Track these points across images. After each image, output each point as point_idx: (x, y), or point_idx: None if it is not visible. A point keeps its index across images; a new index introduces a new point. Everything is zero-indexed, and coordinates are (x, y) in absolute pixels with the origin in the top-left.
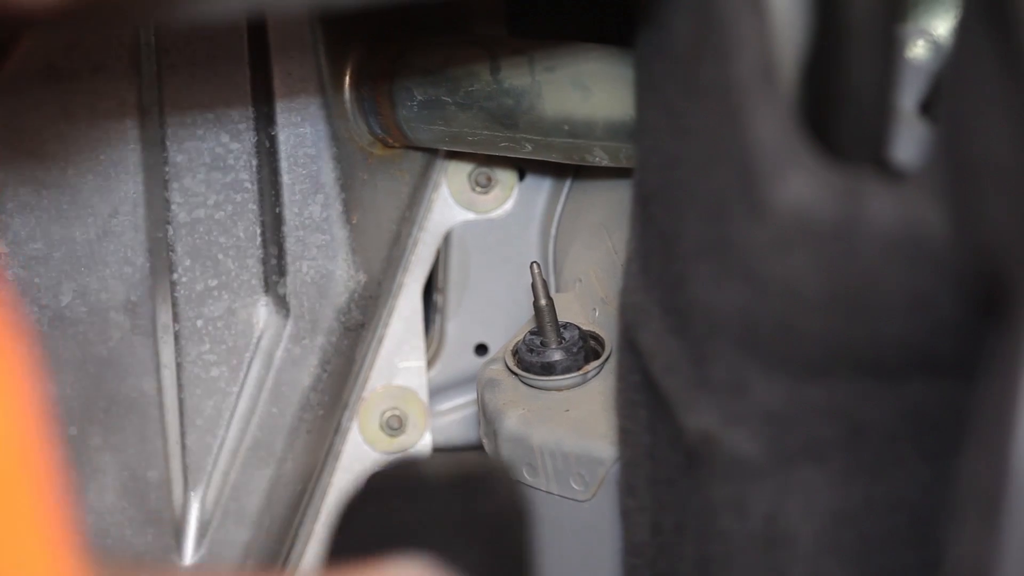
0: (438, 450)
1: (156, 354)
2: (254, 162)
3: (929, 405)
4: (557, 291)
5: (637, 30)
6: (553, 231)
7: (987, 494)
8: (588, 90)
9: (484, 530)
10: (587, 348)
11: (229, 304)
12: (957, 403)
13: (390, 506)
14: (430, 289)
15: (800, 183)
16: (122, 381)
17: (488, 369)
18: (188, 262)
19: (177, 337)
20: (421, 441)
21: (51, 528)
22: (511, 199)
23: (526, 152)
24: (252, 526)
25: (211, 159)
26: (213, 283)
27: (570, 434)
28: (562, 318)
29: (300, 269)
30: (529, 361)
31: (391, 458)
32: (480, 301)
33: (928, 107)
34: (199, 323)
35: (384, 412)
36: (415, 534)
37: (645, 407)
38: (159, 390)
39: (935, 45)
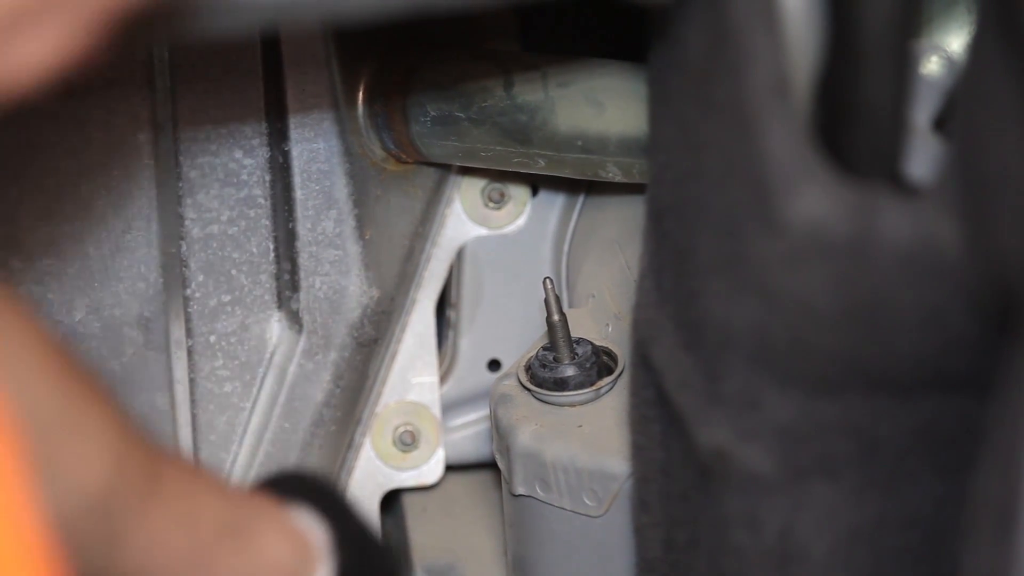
0: (451, 467)
1: (169, 369)
2: (267, 177)
3: (943, 421)
4: (570, 307)
5: (651, 45)
6: (566, 247)
7: (1001, 511)
8: (602, 106)
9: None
10: (600, 364)
11: (242, 319)
12: (971, 419)
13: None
14: (443, 305)
15: (813, 198)
16: (135, 396)
17: (501, 384)
18: (201, 277)
19: (190, 352)
20: (434, 457)
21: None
22: (524, 215)
23: (539, 168)
24: None
25: (224, 175)
26: (226, 298)
27: (583, 450)
28: (575, 334)
29: (313, 285)
30: (542, 377)
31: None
32: (493, 317)
33: (942, 123)
34: (212, 338)
35: (397, 428)
36: None
37: (658, 423)
38: (172, 405)
39: (949, 61)
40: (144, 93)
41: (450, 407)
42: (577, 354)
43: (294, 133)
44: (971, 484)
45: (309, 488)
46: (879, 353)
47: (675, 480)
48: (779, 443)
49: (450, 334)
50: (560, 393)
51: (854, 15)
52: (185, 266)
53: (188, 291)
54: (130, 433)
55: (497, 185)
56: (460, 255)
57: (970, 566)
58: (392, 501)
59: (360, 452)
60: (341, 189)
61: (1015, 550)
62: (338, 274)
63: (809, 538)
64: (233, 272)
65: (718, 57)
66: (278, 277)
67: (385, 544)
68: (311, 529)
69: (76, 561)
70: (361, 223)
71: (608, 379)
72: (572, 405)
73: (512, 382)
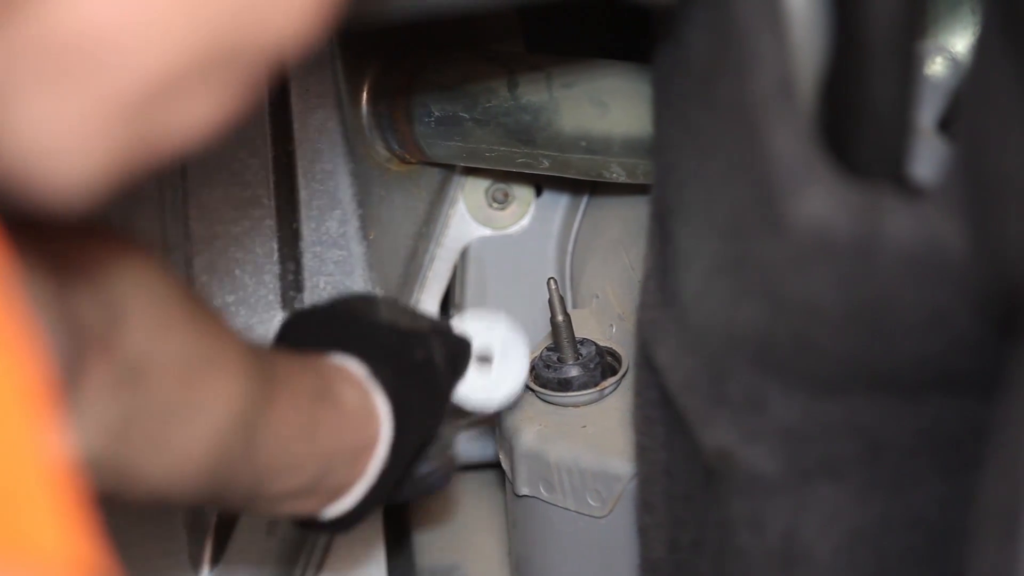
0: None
1: None
2: (272, 178)
3: (947, 422)
4: (574, 307)
5: (655, 46)
6: (570, 247)
7: (1007, 513)
8: (606, 106)
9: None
10: (604, 364)
11: (246, 320)
12: (975, 420)
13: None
14: (447, 305)
15: (818, 200)
16: None
17: None
18: (205, 277)
19: None
20: None
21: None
22: (528, 215)
23: (543, 168)
24: (266, 537)
25: (229, 174)
26: (230, 299)
27: (587, 450)
28: (579, 334)
29: (317, 285)
30: (546, 377)
31: None
32: None
33: (946, 124)
34: None
35: None
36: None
37: (662, 423)
38: None
39: (954, 62)
40: None
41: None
42: (581, 355)
43: (298, 133)
44: (976, 486)
45: (351, 329)
46: (884, 354)
47: (679, 481)
48: (783, 444)
49: None
50: (564, 394)
51: (859, 16)
52: (189, 266)
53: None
54: (250, 348)
55: (501, 185)
56: (464, 255)
57: (975, 568)
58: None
59: None
60: (345, 189)
61: (1020, 552)
62: (342, 274)
63: (813, 539)
64: (237, 272)
65: (723, 58)
66: (282, 277)
67: (429, 364)
68: (361, 369)
69: (225, 472)
70: (365, 223)
71: (612, 380)
72: (576, 406)
73: None
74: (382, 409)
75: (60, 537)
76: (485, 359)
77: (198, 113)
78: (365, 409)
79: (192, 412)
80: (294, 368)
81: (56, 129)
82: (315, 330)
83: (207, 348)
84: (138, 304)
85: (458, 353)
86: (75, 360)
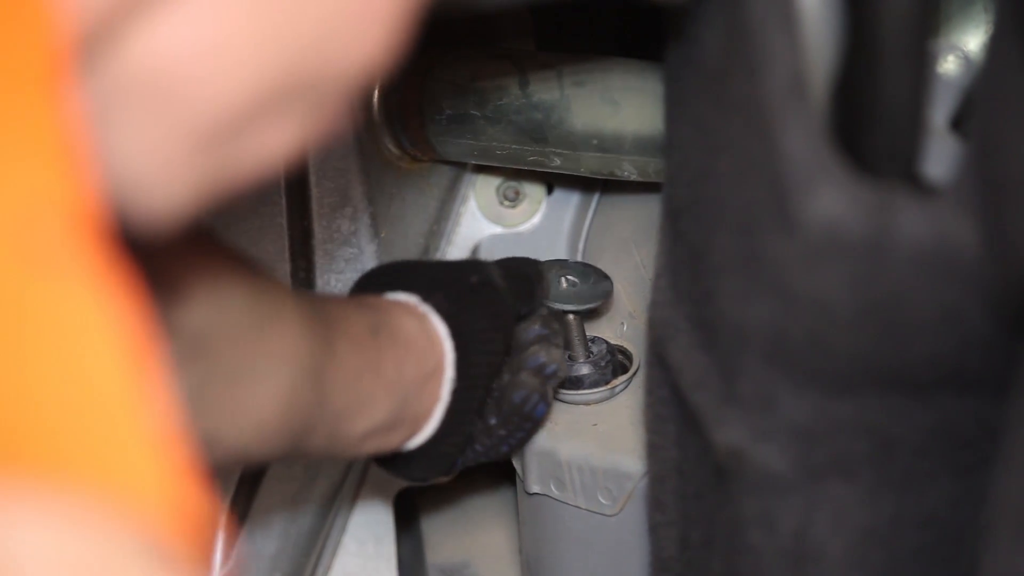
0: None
1: None
2: (283, 175)
3: (959, 421)
4: None
5: (667, 44)
6: (581, 245)
7: (1019, 512)
8: (617, 104)
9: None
10: (615, 362)
11: None
12: (987, 419)
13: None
14: None
15: (831, 198)
16: None
17: None
18: None
19: None
20: None
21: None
22: (539, 213)
23: (555, 166)
24: (278, 538)
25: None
26: None
27: (598, 448)
28: (590, 332)
29: (328, 282)
30: None
31: None
32: None
33: (959, 122)
34: None
35: None
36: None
37: (673, 421)
38: None
39: (966, 61)
40: None
41: None
42: (592, 352)
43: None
44: (988, 485)
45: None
46: (895, 352)
47: (690, 479)
48: (795, 443)
49: None
50: (575, 391)
51: (871, 14)
52: None
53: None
54: (306, 302)
55: (512, 183)
56: (475, 253)
57: (989, 567)
58: (406, 499)
59: None
60: (356, 187)
61: None
62: (353, 272)
63: (824, 538)
64: None
65: (735, 56)
66: (293, 275)
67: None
68: (413, 298)
69: (302, 423)
70: (376, 221)
71: (623, 378)
72: (587, 403)
73: None
74: (441, 331)
75: (160, 482)
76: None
77: (278, 140)
78: (425, 334)
79: (259, 374)
80: (350, 310)
81: (145, 159)
82: (374, 280)
83: (265, 312)
84: (197, 280)
85: (521, 272)
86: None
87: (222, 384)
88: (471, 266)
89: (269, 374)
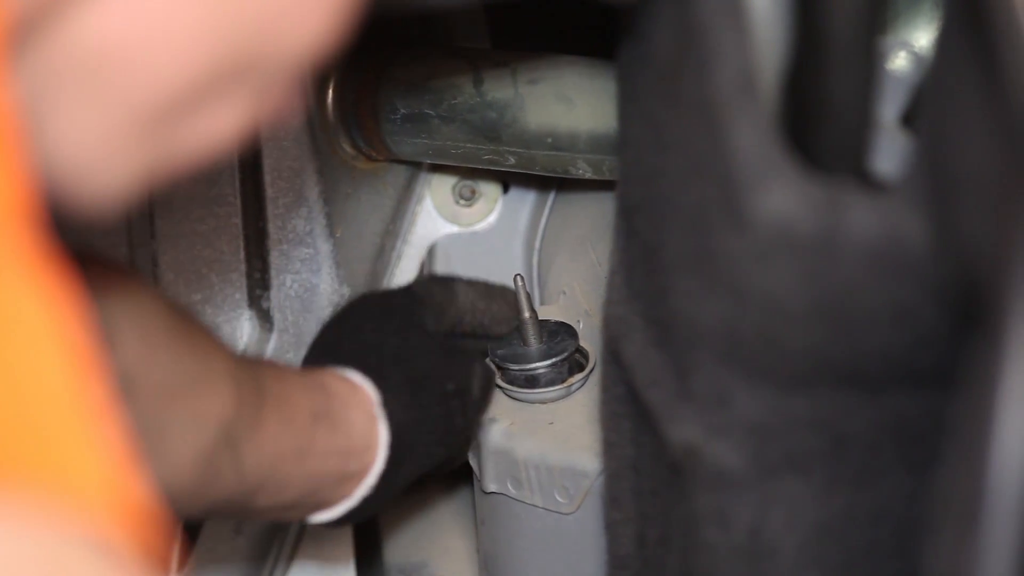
0: None
1: None
2: (237, 175)
3: (912, 416)
4: (541, 303)
5: (619, 43)
6: (537, 244)
7: (965, 505)
8: (571, 102)
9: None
10: (572, 360)
11: (213, 318)
12: (940, 414)
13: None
14: None
15: (781, 195)
16: None
17: None
18: (171, 276)
19: None
20: None
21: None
22: (495, 212)
23: (510, 165)
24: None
25: (194, 172)
26: (196, 297)
27: (554, 447)
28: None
29: (284, 283)
30: (513, 373)
31: None
32: None
33: (909, 119)
34: None
35: None
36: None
37: (629, 419)
38: None
39: (916, 57)
40: None
41: None
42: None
43: (264, 131)
44: (935, 478)
45: (360, 348)
46: (848, 348)
47: (646, 477)
48: (749, 439)
49: None
50: (531, 390)
51: (821, 12)
52: (155, 264)
53: (158, 290)
54: (238, 361)
55: (468, 182)
56: (431, 252)
57: (933, 561)
58: None
59: None
60: (311, 187)
61: (978, 544)
62: (309, 272)
63: (779, 534)
64: (203, 270)
65: (686, 54)
66: (249, 275)
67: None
68: (375, 395)
69: (213, 486)
70: (332, 221)
71: (579, 376)
72: (543, 402)
73: None
74: (383, 439)
75: (101, 478)
76: None
77: (221, 123)
78: (366, 439)
79: (178, 428)
80: (294, 387)
81: (84, 143)
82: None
83: (193, 367)
84: (126, 325)
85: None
86: None
87: (140, 433)
88: (458, 366)
89: (187, 431)
